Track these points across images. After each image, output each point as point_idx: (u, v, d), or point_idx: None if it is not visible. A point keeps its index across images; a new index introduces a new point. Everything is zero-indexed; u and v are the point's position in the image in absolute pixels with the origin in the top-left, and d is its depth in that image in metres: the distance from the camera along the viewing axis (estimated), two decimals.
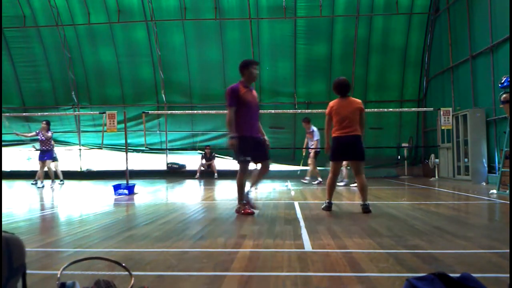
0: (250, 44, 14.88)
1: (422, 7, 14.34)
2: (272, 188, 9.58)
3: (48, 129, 11.12)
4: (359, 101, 5.45)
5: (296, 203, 6.34)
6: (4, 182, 12.03)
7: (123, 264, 2.08)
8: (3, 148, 11.74)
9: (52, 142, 11.29)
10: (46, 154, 11.10)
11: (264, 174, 5.41)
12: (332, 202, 5.52)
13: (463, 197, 7.65)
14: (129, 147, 11.04)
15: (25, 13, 15.31)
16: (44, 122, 11.17)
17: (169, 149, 16.18)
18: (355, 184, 9.96)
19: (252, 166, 5.39)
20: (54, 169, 11.54)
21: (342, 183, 10.04)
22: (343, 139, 5.30)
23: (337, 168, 5.55)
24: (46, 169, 11.08)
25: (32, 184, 11.34)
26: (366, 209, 5.24)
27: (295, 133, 15.01)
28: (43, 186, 10.69)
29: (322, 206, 5.56)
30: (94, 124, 16.30)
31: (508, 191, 7.07)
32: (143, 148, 15.53)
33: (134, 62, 15.72)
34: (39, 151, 11.25)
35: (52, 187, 10.83)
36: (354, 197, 7.37)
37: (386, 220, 4.68)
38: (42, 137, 11.06)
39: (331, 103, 5.52)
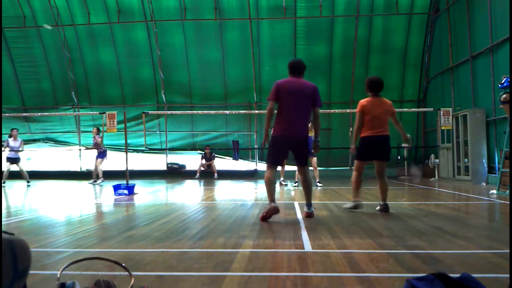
0: (250, 45, 14.89)
1: (422, 8, 14.34)
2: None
3: (97, 133, 12.46)
4: (390, 102, 5.44)
5: (296, 203, 6.34)
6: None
7: (123, 265, 2.08)
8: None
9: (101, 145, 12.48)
10: (98, 155, 12.40)
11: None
12: (360, 201, 5.46)
13: (463, 198, 7.65)
14: (129, 147, 11.04)
15: (25, 13, 15.31)
16: (94, 128, 12.64)
17: (169, 149, 16.19)
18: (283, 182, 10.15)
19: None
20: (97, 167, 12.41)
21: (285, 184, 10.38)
22: (373, 139, 5.26)
23: (362, 167, 5.47)
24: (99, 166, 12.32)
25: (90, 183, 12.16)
26: (385, 208, 5.25)
27: None
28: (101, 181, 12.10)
29: (347, 206, 5.48)
30: (94, 124, 16.29)
31: (508, 192, 7.07)
32: (143, 148, 15.54)
33: (134, 62, 15.74)
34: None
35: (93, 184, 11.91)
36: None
37: (386, 220, 4.68)
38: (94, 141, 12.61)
39: (363, 102, 5.39)
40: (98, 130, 12.58)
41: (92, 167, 13.11)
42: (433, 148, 13.75)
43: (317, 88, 5.13)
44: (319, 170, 10.43)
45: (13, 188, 10.89)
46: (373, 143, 5.26)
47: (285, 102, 4.90)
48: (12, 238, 1.48)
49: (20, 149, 12.02)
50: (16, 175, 12.09)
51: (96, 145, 12.47)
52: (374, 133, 5.25)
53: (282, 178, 10.69)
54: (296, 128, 4.89)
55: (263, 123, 5.50)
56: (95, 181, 12.08)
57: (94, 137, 12.56)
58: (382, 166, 5.39)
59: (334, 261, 2.84)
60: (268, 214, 4.66)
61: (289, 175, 11.39)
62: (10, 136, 11.88)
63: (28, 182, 11.59)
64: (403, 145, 14.56)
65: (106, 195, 8.50)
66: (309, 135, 10.24)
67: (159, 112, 15.59)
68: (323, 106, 15.83)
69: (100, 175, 12.18)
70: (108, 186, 10.60)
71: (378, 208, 5.35)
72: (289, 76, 5.10)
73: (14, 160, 11.81)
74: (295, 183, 10.28)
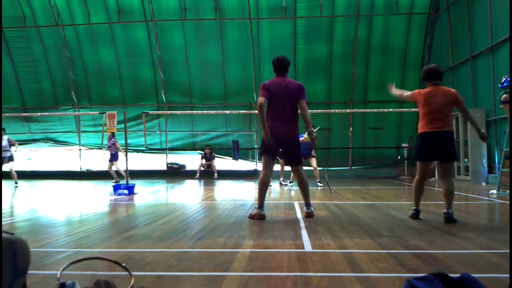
0: (250, 44, 14.88)
1: (422, 7, 14.34)
2: (272, 188, 9.58)
3: (112, 136, 12.76)
4: (454, 91, 4.62)
5: (296, 203, 6.34)
6: (4, 182, 12.04)
7: (123, 264, 2.08)
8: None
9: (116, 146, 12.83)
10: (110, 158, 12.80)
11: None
12: (420, 208, 4.73)
13: (463, 198, 7.64)
14: (129, 147, 11.05)
15: (25, 13, 15.31)
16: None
17: (169, 149, 16.18)
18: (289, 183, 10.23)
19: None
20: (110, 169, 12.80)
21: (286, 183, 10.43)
22: (434, 136, 4.52)
23: (425, 169, 4.72)
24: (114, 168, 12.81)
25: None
26: (450, 218, 4.39)
27: None
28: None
29: (409, 214, 4.75)
30: (94, 124, 16.30)
31: (508, 191, 7.07)
32: (143, 148, 15.53)
33: (134, 62, 15.73)
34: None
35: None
36: (354, 197, 7.37)
37: (386, 220, 4.68)
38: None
39: (416, 93, 4.70)
40: (113, 134, 12.73)
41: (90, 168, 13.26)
42: None
43: (303, 85, 4.95)
44: (319, 170, 10.44)
45: (10, 188, 10.88)
46: (434, 140, 4.52)
47: (272, 102, 4.85)
48: (13, 238, 1.49)
49: (14, 149, 11.49)
50: (6, 175, 12.03)
51: (110, 147, 12.69)
52: (434, 128, 4.50)
53: (281, 178, 10.71)
54: (284, 129, 4.83)
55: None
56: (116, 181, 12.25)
57: (109, 139, 12.78)
58: (447, 168, 4.65)
59: (334, 261, 2.84)
60: (254, 218, 4.78)
61: (289, 175, 11.38)
62: None
63: (16, 183, 11.19)
64: (403, 145, 14.53)
65: (106, 195, 8.50)
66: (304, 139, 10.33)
67: (159, 112, 15.58)
68: (323, 106, 15.86)
69: (114, 176, 12.53)
70: (108, 186, 10.60)
71: (443, 217, 4.49)
72: (275, 75, 5.01)
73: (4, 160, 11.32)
74: (289, 182, 10.28)
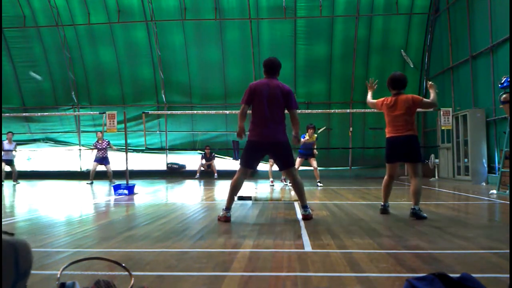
0: (250, 44, 14.88)
1: (422, 7, 14.34)
2: (272, 189, 9.58)
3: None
4: (411, 96, 4.98)
5: (296, 203, 6.34)
6: (4, 182, 12.05)
7: (123, 264, 2.08)
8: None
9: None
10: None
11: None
12: (388, 204, 5.23)
13: (463, 198, 7.65)
14: (129, 147, 11.04)
15: (25, 13, 15.31)
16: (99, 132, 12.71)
17: (169, 149, 16.19)
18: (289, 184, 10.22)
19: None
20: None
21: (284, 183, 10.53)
22: (395, 140, 4.98)
23: (391, 170, 5.15)
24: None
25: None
26: (415, 214, 4.74)
27: None
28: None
29: (379, 210, 5.23)
30: (94, 124, 16.30)
31: (508, 191, 7.07)
32: (143, 148, 15.54)
33: (134, 62, 15.73)
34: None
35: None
36: (354, 197, 7.37)
37: (386, 220, 4.68)
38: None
39: (380, 102, 5.15)
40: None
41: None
42: (433, 148, 13.75)
43: (291, 91, 4.86)
44: (319, 170, 10.44)
45: (10, 188, 10.88)
46: (397, 144, 4.96)
47: (258, 105, 4.74)
48: (15, 241, 1.49)
49: (14, 150, 12.42)
50: (8, 175, 12.40)
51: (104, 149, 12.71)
52: (397, 133, 4.96)
53: (283, 177, 10.73)
54: (271, 134, 4.69)
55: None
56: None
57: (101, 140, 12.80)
58: (413, 168, 4.97)
59: (334, 261, 2.84)
60: (220, 221, 4.64)
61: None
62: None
63: (15, 182, 11.84)
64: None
65: (106, 195, 8.50)
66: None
67: (159, 112, 15.58)
68: (323, 106, 15.84)
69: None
70: (108, 186, 10.60)
71: (409, 212, 4.87)
72: (264, 76, 4.90)
73: (7, 162, 12.32)
74: (290, 182, 10.29)
